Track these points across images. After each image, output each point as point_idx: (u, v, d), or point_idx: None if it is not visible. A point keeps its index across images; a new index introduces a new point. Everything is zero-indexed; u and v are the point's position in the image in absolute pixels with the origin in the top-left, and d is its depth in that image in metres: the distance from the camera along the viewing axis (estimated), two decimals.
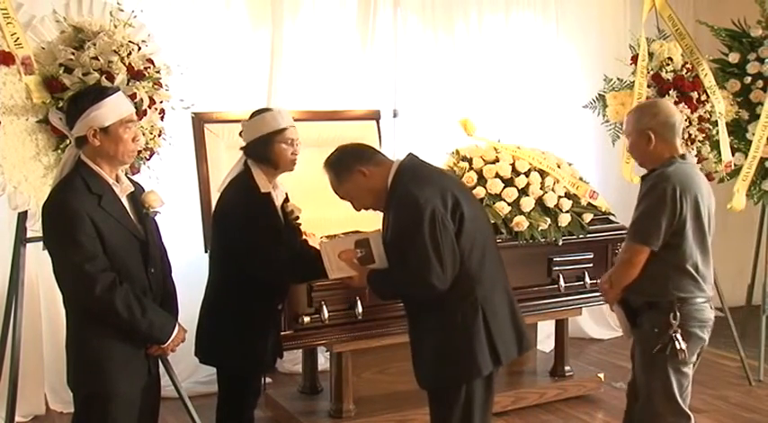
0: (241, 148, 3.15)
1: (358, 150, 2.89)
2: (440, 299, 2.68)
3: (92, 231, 2.45)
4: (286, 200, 3.22)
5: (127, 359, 2.58)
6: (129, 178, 2.76)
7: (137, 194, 2.69)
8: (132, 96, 3.17)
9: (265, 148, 3.05)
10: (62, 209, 2.47)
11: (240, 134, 3.17)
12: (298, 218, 3.22)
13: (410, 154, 2.85)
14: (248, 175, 3.06)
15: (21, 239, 3.28)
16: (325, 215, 4.16)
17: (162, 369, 3.01)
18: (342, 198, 2.89)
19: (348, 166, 2.80)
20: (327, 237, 3.97)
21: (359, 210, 2.88)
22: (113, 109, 2.56)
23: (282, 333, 3.42)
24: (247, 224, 2.97)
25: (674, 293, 2.90)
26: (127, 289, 2.51)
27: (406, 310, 2.91)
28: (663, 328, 2.90)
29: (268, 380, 4.21)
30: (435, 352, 2.76)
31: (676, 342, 2.87)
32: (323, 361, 4.41)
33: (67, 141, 3.15)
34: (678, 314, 2.89)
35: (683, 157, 2.99)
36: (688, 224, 2.88)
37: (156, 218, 2.77)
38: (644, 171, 3.08)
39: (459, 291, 2.69)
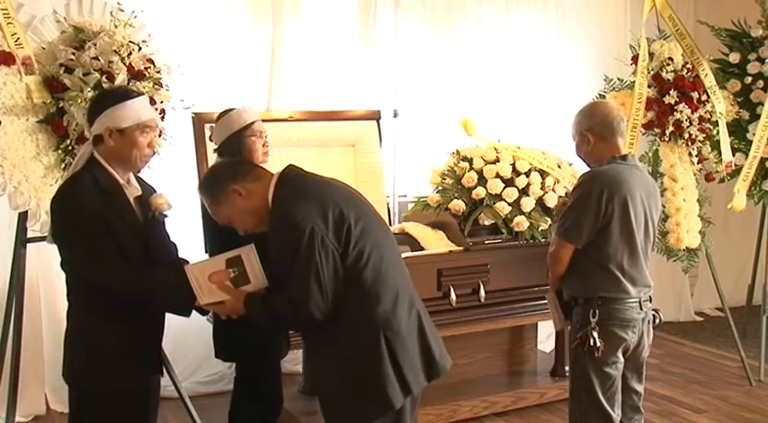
0: (214, 151, 3.22)
1: (231, 168, 2.58)
2: (335, 326, 2.38)
3: (101, 227, 2.45)
4: None
5: (130, 356, 2.55)
6: (140, 179, 2.75)
7: (144, 198, 2.67)
8: None
9: (237, 145, 3.12)
10: (71, 203, 2.47)
11: (210, 138, 3.22)
12: None
13: (290, 165, 2.54)
14: None
15: (21, 240, 3.28)
16: None
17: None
18: (222, 223, 2.53)
19: (222, 187, 2.46)
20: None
21: (244, 234, 2.53)
22: (133, 112, 2.55)
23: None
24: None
25: (596, 291, 2.95)
26: (140, 267, 2.52)
27: (302, 340, 2.78)
28: (582, 324, 2.95)
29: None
30: (337, 389, 2.42)
31: (592, 338, 2.90)
32: None
33: (68, 141, 3.17)
34: (597, 311, 2.92)
35: (623, 157, 3.02)
36: (613, 224, 2.91)
37: (164, 221, 2.77)
38: None
39: (356, 315, 2.38)
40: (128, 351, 2.55)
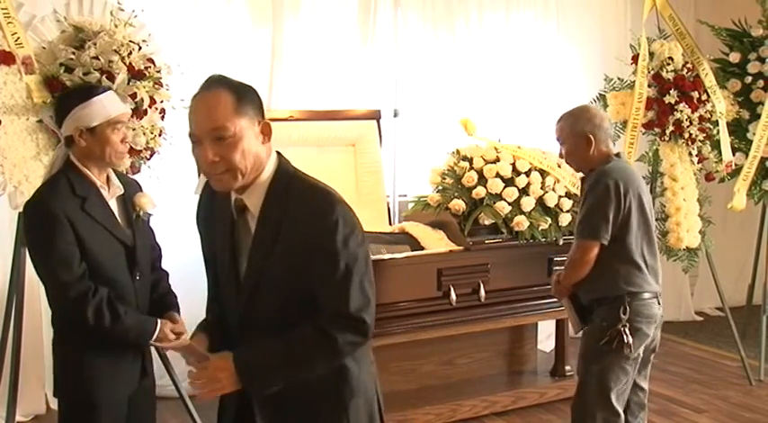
0: None
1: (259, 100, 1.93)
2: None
3: (70, 237, 2.37)
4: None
5: (111, 365, 2.48)
6: (126, 176, 2.71)
7: (128, 196, 2.62)
8: (133, 96, 3.18)
9: None
10: (42, 211, 2.40)
11: None
12: None
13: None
14: None
15: (21, 240, 3.28)
16: None
17: (162, 369, 3.01)
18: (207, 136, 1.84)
19: (251, 106, 1.89)
20: None
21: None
22: (100, 109, 2.48)
23: None
24: None
25: (623, 288, 2.97)
26: (101, 298, 2.39)
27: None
28: (612, 322, 2.96)
29: None
30: None
31: (624, 335, 2.92)
32: None
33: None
34: (628, 308, 2.95)
35: (617, 155, 3.09)
36: (633, 216, 2.96)
37: (149, 220, 2.73)
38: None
39: None
40: (110, 361, 2.48)
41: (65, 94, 2.76)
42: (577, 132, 3.04)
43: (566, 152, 3.13)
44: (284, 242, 1.84)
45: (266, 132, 1.88)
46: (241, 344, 1.91)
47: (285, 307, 1.87)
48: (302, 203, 1.85)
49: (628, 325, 2.94)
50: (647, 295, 3.00)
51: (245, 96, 1.84)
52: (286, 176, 1.91)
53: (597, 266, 2.98)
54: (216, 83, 1.84)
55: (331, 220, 1.81)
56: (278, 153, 1.95)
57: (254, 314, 1.90)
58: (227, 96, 1.80)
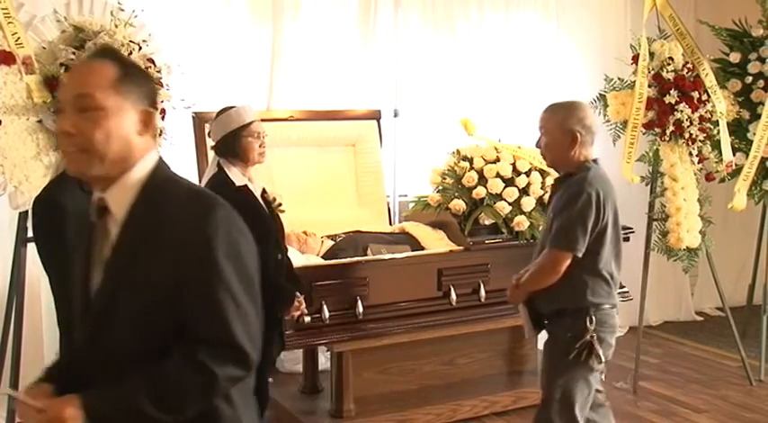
0: (211, 148, 3.22)
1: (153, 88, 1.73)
2: None
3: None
4: (264, 191, 3.25)
5: None
6: None
7: None
8: None
9: (233, 144, 3.11)
10: (51, 205, 2.45)
11: (208, 134, 3.22)
12: (281, 205, 3.25)
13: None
14: (222, 172, 3.11)
15: (21, 239, 3.28)
16: (325, 215, 4.17)
17: None
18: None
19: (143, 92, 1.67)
20: (328, 236, 3.97)
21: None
22: None
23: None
24: None
25: (589, 299, 2.86)
26: None
27: None
28: (578, 334, 2.85)
29: (269, 379, 4.21)
30: None
31: (596, 347, 2.83)
32: (323, 361, 4.41)
33: None
34: (594, 319, 2.85)
35: (595, 161, 2.93)
36: (608, 230, 2.86)
37: None
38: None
39: None
40: None
41: None
42: (565, 128, 2.87)
43: (545, 145, 2.95)
44: (151, 254, 1.49)
45: (148, 123, 1.58)
46: (90, 380, 1.52)
47: (145, 332, 1.50)
48: (178, 210, 1.53)
49: (595, 335, 2.84)
50: (607, 306, 2.91)
51: (132, 76, 1.57)
52: (163, 179, 1.59)
53: (564, 277, 2.84)
54: (104, 53, 1.61)
55: (211, 230, 1.49)
56: (160, 156, 1.63)
57: (105, 341, 1.52)
58: (109, 68, 1.54)
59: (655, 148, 4.55)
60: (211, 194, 1.60)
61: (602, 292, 2.90)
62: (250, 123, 3.14)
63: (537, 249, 3.06)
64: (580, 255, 2.83)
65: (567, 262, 2.83)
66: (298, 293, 3.25)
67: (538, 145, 3.02)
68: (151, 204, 1.54)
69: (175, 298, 1.48)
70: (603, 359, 2.88)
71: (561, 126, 2.88)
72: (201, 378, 1.49)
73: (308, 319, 3.56)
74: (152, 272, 1.49)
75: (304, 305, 3.36)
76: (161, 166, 1.61)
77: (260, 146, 3.15)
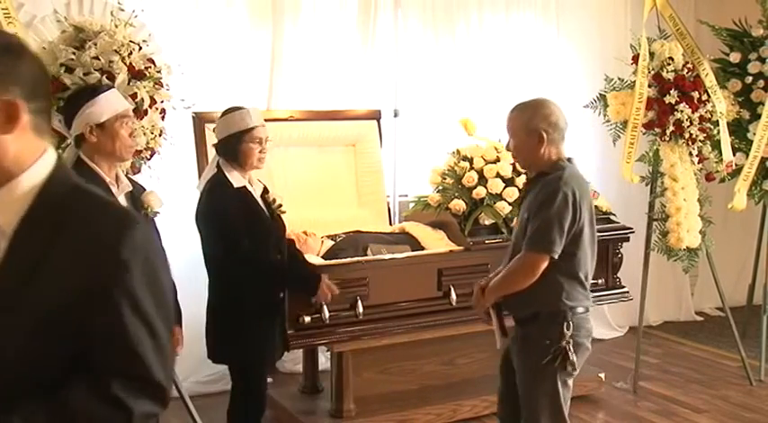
0: (213, 145, 3.23)
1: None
2: None
3: None
4: (266, 191, 3.25)
5: None
6: (129, 178, 2.76)
7: (135, 194, 2.68)
8: (133, 96, 3.18)
9: (234, 147, 3.11)
10: None
11: (214, 130, 3.24)
12: (281, 206, 3.25)
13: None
14: (221, 173, 3.11)
15: None
16: (325, 215, 4.17)
17: None
18: None
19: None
20: (328, 236, 3.98)
21: None
22: (108, 104, 2.59)
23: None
24: (216, 218, 3.02)
25: (564, 303, 2.78)
26: None
27: None
28: (555, 339, 2.76)
29: (269, 379, 4.22)
30: None
31: (569, 353, 2.74)
32: (323, 361, 4.41)
33: (68, 141, 3.17)
34: (571, 324, 2.76)
35: (569, 160, 2.87)
36: (585, 230, 2.80)
37: (155, 220, 2.77)
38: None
39: None
40: None
41: (72, 95, 2.85)
42: (530, 128, 2.80)
43: (514, 147, 2.88)
44: (49, 275, 1.26)
45: (13, 114, 1.25)
46: None
47: (38, 362, 1.27)
48: (86, 227, 1.28)
49: (571, 341, 2.75)
50: (581, 309, 2.82)
51: None
52: (65, 187, 1.33)
53: (539, 279, 2.75)
54: None
55: (128, 254, 1.27)
56: (58, 158, 1.36)
57: None
58: None
59: (655, 148, 4.55)
60: (126, 211, 1.43)
61: (578, 294, 2.82)
62: (253, 128, 3.12)
63: (509, 251, 2.96)
64: (557, 256, 2.76)
65: (545, 264, 2.74)
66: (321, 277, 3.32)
67: (508, 148, 2.97)
68: (46, 220, 1.28)
69: (80, 326, 1.27)
70: (577, 367, 2.80)
71: (526, 126, 2.81)
72: (116, 414, 1.30)
73: (308, 319, 3.56)
74: (48, 299, 1.25)
75: (333, 285, 3.38)
76: (60, 172, 1.34)
77: (260, 151, 3.14)
